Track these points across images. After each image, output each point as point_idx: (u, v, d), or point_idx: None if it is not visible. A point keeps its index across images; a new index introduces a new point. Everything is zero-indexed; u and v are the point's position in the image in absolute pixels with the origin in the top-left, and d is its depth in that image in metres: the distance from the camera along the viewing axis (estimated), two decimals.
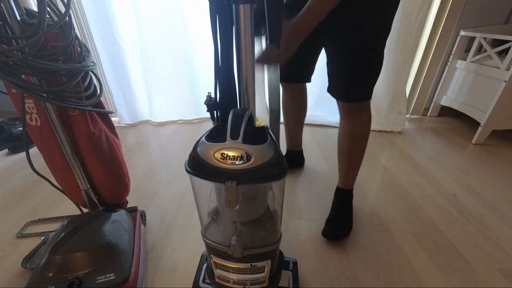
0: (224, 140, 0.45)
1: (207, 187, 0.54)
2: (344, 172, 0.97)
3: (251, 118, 0.53)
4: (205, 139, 0.48)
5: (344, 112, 0.87)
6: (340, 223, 0.94)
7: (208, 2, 0.48)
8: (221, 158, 0.44)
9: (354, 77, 0.79)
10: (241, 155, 0.43)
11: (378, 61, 0.78)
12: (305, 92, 1.15)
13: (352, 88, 0.81)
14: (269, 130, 0.52)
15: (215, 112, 0.58)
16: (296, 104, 1.17)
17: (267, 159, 0.44)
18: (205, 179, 0.45)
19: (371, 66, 0.78)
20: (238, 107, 0.57)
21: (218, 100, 0.57)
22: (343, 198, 0.99)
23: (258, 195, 0.54)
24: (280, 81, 1.01)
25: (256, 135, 0.50)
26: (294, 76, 1.06)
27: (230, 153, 0.43)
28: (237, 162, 0.43)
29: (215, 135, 0.50)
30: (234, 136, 0.44)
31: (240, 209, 0.49)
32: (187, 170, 0.47)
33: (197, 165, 0.45)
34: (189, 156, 0.48)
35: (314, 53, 0.98)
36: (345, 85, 0.82)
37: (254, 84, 0.53)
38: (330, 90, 0.87)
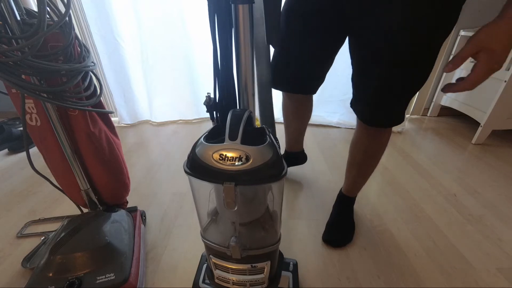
0: (223, 141, 0.45)
1: (206, 188, 0.54)
2: (351, 181, 0.93)
3: (250, 119, 0.53)
4: (203, 140, 0.47)
5: (364, 129, 0.78)
6: (341, 230, 0.93)
7: (206, 2, 0.47)
8: (219, 159, 0.43)
9: (393, 99, 0.66)
10: (240, 156, 0.43)
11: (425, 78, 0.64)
12: (311, 101, 1.04)
13: (385, 112, 0.69)
14: (269, 130, 0.51)
15: (214, 112, 0.58)
16: (301, 113, 1.06)
17: (266, 160, 0.44)
18: (204, 180, 0.45)
19: (418, 83, 0.64)
20: (238, 107, 0.57)
21: (217, 101, 0.57)
22: (345, 204, 0.98)
23: (257, 196, 0.54)
24: (285, 91, 0.95)
25: (255, 136, 0.50)
26: (302, 87, 0.90)
27: (229, 154, 0.43)
28: (236, 163, 0.43)
29: (214, 136, 0.50)
30: (233, 137, 0.44)
31: (239, 210, 0.49)
32: (185, 171, 0.47)
33: (196, 166, 0.45)
34: (188, 157, 0.47)
35: (329, 62, 0.84)
36: (376, 107, 0.69)
37: (253, 85, 0.53)
38: (355, 106, 0.75)
